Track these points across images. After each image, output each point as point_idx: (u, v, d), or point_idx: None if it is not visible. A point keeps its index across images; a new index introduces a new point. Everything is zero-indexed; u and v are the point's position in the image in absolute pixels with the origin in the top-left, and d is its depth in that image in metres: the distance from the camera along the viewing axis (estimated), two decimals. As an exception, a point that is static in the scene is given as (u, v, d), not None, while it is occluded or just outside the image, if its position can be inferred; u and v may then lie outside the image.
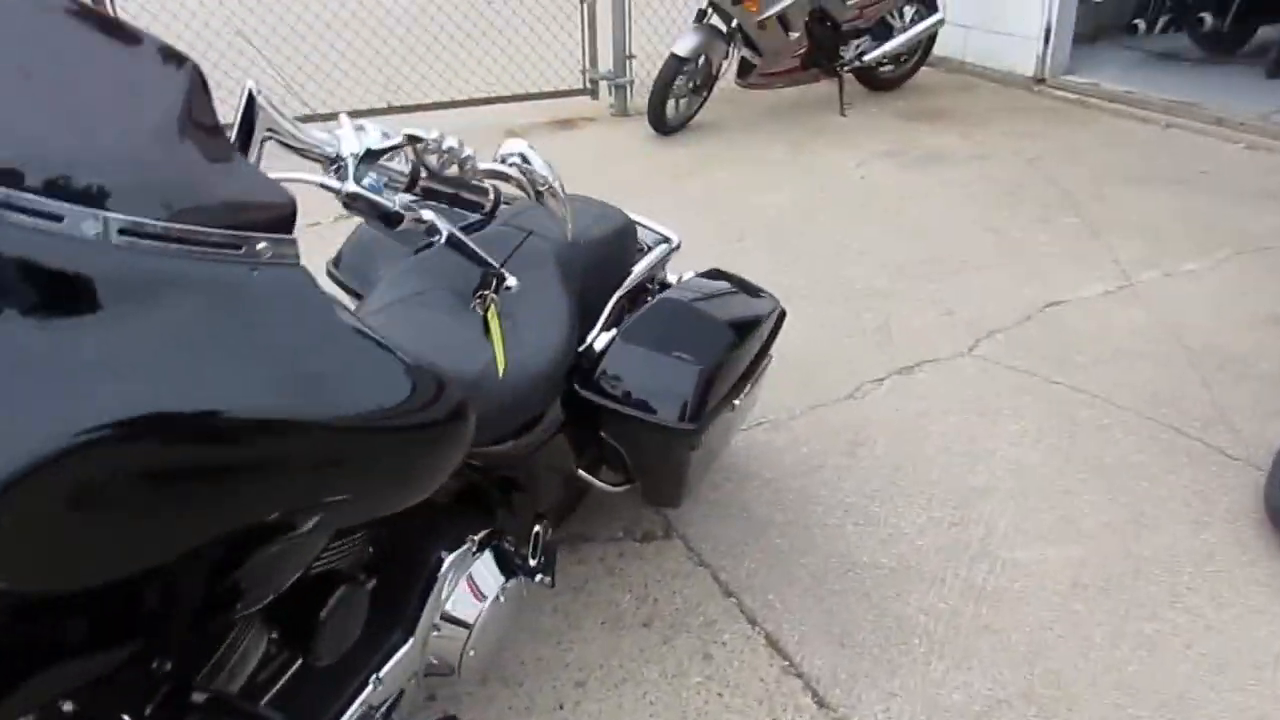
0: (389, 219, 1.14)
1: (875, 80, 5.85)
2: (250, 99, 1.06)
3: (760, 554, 2.30)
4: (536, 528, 1.77)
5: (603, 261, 1.93)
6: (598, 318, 1.92)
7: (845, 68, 5.53)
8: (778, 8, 5.07)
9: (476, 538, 1.66)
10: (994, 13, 6.06)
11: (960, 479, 2.54)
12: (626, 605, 2.16)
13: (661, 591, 2.20)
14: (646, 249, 2.18)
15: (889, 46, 5.58)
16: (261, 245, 0.88)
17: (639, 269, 2.05)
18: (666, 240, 2.20)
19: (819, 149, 5.06)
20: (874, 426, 2.76)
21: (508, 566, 1.70)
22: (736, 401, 1.94)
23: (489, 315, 1.34)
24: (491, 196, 1.29)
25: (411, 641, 1.55)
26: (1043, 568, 2.23)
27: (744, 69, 5.35)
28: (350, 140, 1.13)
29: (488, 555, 1.68)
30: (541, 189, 1.33)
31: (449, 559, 1.60)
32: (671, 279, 2.24)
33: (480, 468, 1.64)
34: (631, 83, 5.58)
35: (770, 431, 2.74)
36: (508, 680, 1.96)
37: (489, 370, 1.56)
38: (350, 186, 1.11)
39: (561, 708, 1.91)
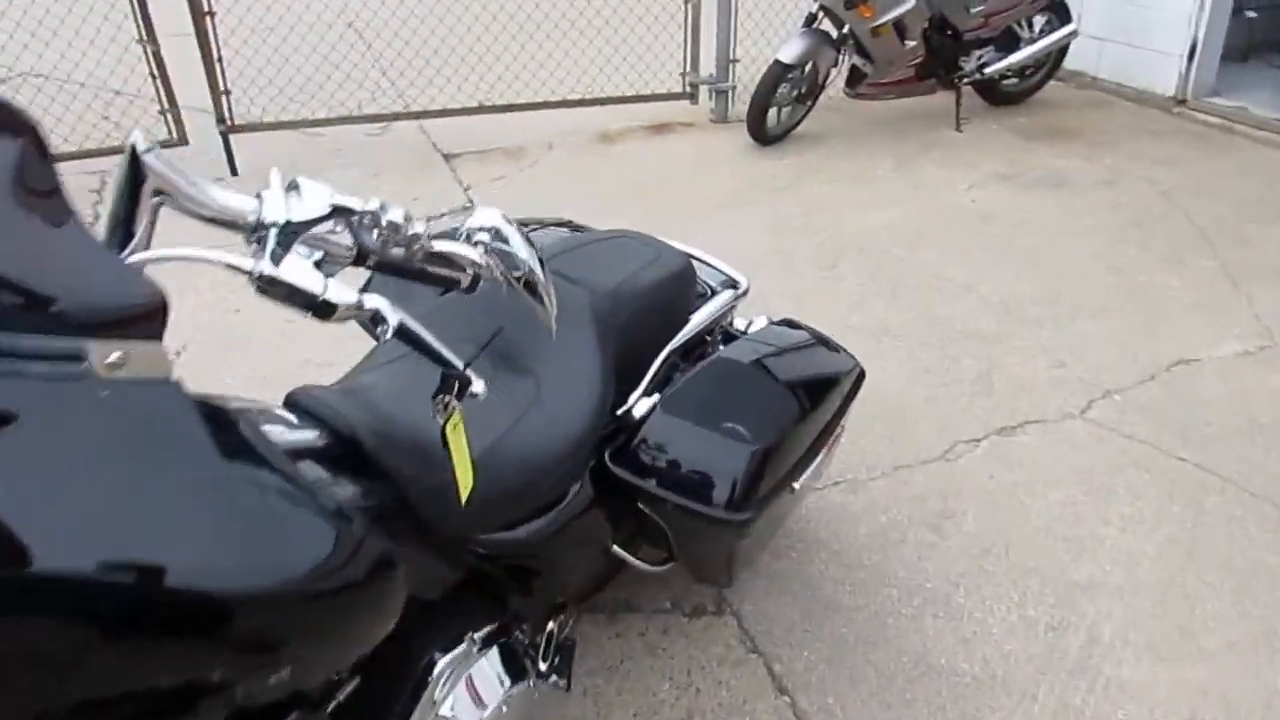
0: (318, 309, 0.91)
1: (996, 94, 5.44)
2: (133, 155, 0.85)
3: (822, 644, 2.03)
4: (551, 624, 1.54)
5: (652, 310, 1.69)
6: (643, 375, 1.68)
7: (964, 80, 5.15)
8: (895, 14, 4.72)
9: (479, 635, 1.44)
10: (1134, 25, 5.56)
11: (1061, 570, 2.22)
12: (665, 695, 1.93)
13: (706, 680, 1.95)
14: (709, 293, 1.93)
15: (1015, 59, 5.17)
16: (114, 355, 0.67)
17: (696, 319, 1.81)
18: (733, 284, 1.95)
19: (928, 167, 4.70)
20: (965, 496, 2.45)
21: (515, 667, 1.48)
22: (797, 484, 1.67)
23: (447, 426, 1.09)
24: (470, 272, 1.05)
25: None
26: (1153, 692, 1.91)
27: (854, 77, 5.02)
28: (276, 205, 0.91)
29: (493, 654, 1.46)
30: (517, 276, 1.09)
31: (443, 661, 1.39)
32: (741, 324, 1.99)
33: (486, 555, 1.42)
34: (733, 88, 5.31)
35: (846, 493, 2.46)
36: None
37: (494, 449, 1.34)
38: (265, 267, 0.88)
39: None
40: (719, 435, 1.56)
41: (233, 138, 4.59)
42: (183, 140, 4.60)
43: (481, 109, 5.02)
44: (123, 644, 0.68)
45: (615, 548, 1.72)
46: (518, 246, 1.04)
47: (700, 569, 1.83)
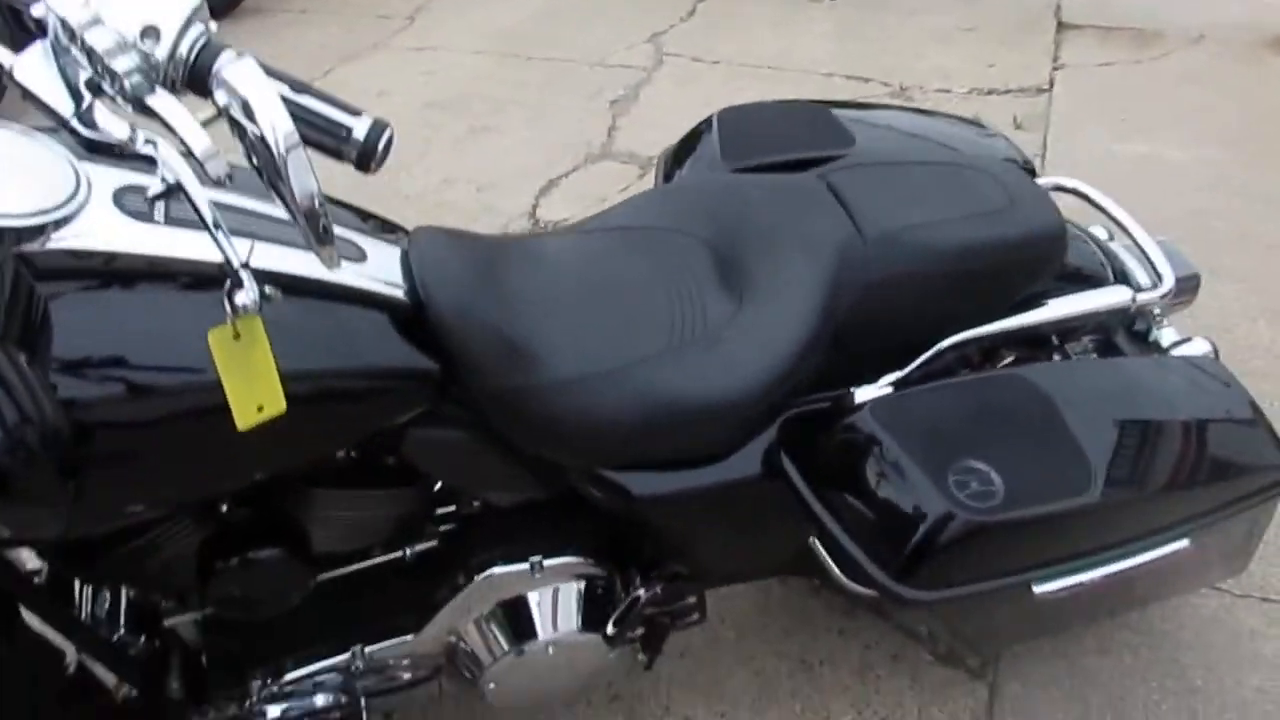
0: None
1: None
2: None
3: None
4: (642, 590, 1.28)
5: (948, 278, 1.22)
6: (906, 361, 1.24)
7: None
8: None
9: (550, 563, 1.25)
10: None
11: None
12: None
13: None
14: (1106, 280, 1.36)
15: None
16: None
17: (1033, 316, 1.28)
18: (1133, 286, 1.34)
19: None
20: None
21: (586, 616, 1.28)
22: (1039, 589, 1.15)
23: (212, 333, 0.82)
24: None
25: (412, 637, 1.26)
26: None
27: None
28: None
29: (563, 589, 1.28)
30: (262, 165, 0.75)
31: (493, 570, 1.24)
32: (1168, 336, 1.39)
33: (597, 488, 1.19)
34: None
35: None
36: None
37: (614, 374, 1.09)
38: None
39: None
40: (926, 475, 1.10)
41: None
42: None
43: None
44: None
45: (816, 543, 1.34)
46: (270, 129, 0.71)
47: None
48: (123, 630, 1.23)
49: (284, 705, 1.27)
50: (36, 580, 1.08)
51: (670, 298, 1.21)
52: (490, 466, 1.18)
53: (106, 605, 1.25)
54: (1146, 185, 2.86)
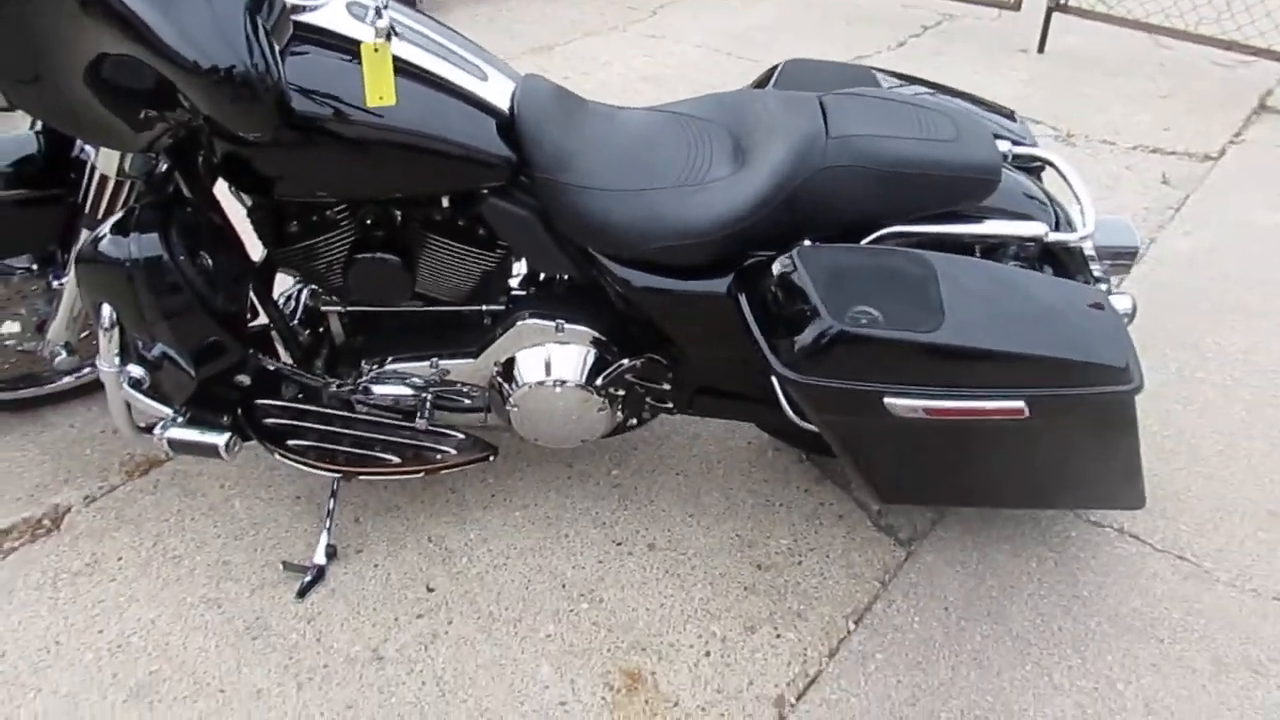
0: None
1: None
2: None
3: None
4: (626, 360, 1.80)
5: (891, 181, 1.64)
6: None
7: None
8: None
9: (571, 326, 1.79)
10: None
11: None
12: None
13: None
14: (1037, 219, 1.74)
15: None
16: None
17: (955, 227, 1.69)
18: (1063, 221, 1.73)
19: None
20: None
21: (590, 373, 1.80)
22: (892, 401, 1.56)
23: (364, 45, 1.42)
24: None
25: (471, 361, 1.83)
26: None
27: None
28: None
29: (580, 350, 1.81)
30: None
31: (521, 319, 1.80)
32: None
33: (612, 282, 1.73)
34: None
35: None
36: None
37: (639, 196, 1.66)
38: None
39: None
40: (821, 297, 1.54)
41: (1056, 17, 4.64)
42: (1015, 6, 4.82)
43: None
44: None
45: (780, 367, 1.62)
46: None
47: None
48: (297, 317, 1.89)
49: (379, 386, 1.88)
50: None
51: (687, 159, 1.73)
52: (541, 243, 1.74)
53: (290, 297, 1.92)
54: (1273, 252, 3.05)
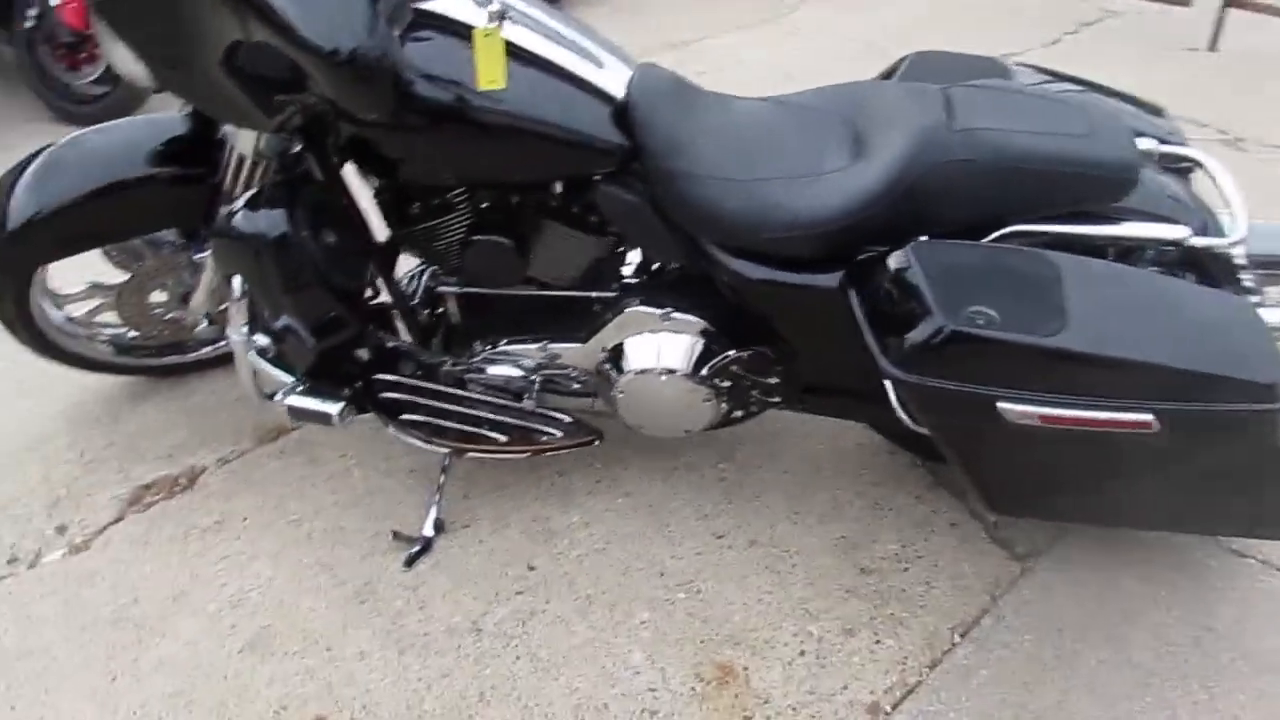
0: None
1: None
2: None
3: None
4: (733, 351, 1.78)
5: (1015, 177, 1.57)
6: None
7: None
8: None
9: (679, 315, 1.79)
10: None
11: None
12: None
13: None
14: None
15: None
16: None
17: (1088, 227, 1.60)
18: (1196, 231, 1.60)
19: None
20: None
21: (699, 364, 1.79)
22: (1007, 406, 1.48)
23: (478, 31, 1.43)
24: None
25: (580, 345, 1.85)
26: None
27: None
28: None
29: (690, 339, 1.80)
30: None
31: (629, 304, 1.80)
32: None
33: (722, 272, 1.71)
34: None
35: None
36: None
37: (750, 186, 1.64)
38: None
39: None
40: (934, 295, 1.48)
41: (1231, 13, 4.34)
42: (1185, 1, 4.54)
43: None
44: None
45: (888, 365, 1.55)
46: None
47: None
48: (418, 296, 1.96)
49: (491, 367, 1.92)
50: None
51: (802, 149, 1.69)
52: (651, 231, 1.74)
53: (413, 277, 1.98)
54: None
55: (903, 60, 1.93)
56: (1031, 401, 1.48)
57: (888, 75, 1.95)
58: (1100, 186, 1.58)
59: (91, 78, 3.49)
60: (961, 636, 1.77)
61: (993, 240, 1.61)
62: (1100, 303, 1.48)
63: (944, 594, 1.85)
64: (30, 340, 2.06)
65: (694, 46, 4.56)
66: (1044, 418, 1.49)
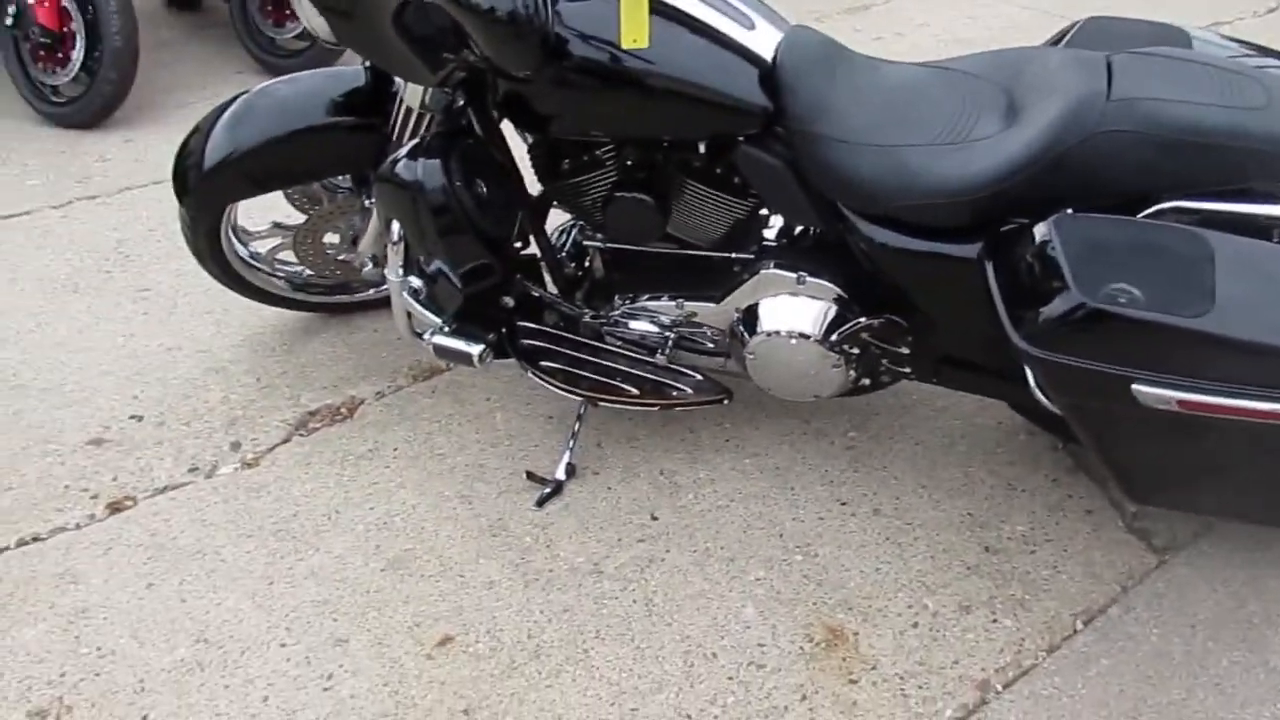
0: None
1: None
2: None
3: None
4: (864, 318, 1.78)
5: (1178, 150, 1.50)
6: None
7: None
8: None
9: (812, 279, 1.80)
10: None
11: None
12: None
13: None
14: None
15: None
16: None
17: (1251, 206, 1.51)
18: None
19: None
20: None
21: (829, 329, 1.80)
22: (1142, 389, 1.43)
23: None
24: None
25: (715, 305, 1.89)
26: None
27: None
28: None
29: (810, 301, 1.81)
30: None
31: (762, 266, 1.83)
32: None
33: (857, 239, 1.72)
34: None
35: None
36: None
37: (889, 151, 1.63)
38: None
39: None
40: (1072, 266, 1.44)
41: None
42: None
43: None
44: None
45: (1019, 340, 1.50)
46: None
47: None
48: (565, 250, 2.04)
49: (630, 320, 1.99)
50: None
51: (951, 116, 1.67)
52: (790, 194, 1.75)
53: (562, 231, 2.07)
54: None
55: (1074, 25, 1.86)
56: (1170, 385, 1.43)
57: (1057, 41, 1.89)
58: (1272, 163, 1.49)
59: (294, 33, 3.73)
60: (1085, 624, 1.73)
61: (1147, 216, 1.55)
62: (1255, 286, 1.41)
63: (1070, 580, 1.81)
64: (218, 272, 2.26)
65: (874, 11, 4.47)
66: (1183, 403, 1.43)
